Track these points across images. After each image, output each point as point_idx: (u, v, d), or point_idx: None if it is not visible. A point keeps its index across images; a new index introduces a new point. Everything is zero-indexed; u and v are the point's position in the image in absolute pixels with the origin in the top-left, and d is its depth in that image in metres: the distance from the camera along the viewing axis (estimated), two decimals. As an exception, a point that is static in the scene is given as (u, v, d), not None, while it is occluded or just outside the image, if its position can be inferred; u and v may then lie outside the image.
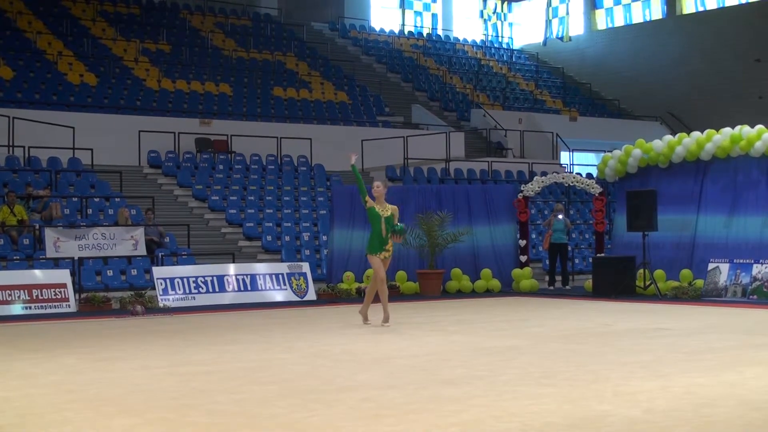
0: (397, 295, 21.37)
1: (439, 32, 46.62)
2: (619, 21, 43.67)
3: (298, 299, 20.04)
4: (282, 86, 34.04)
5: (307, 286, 20.34)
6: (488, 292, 22.17)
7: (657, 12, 42.11)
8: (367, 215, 14.91)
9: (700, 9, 40.50)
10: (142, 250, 20.19)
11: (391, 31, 44.42)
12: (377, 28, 44.31)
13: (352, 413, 7.65)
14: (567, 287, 23.19)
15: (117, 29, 34.86)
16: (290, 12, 42.76)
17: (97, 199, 23.45)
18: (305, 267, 20.65)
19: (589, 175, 29.15)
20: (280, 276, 20.20)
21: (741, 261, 19.58)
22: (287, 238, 24.29)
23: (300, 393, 8.60)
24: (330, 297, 20.54)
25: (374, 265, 14.66)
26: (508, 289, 22.50)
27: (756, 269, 19.23)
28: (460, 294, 21.95)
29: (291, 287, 20.18)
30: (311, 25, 42.19)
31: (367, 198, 14.66)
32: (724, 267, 19.72)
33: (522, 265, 22.89)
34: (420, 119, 35.60)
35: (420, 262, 22.14)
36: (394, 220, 14.64)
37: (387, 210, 14.66)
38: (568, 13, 45.03)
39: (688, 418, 7.29)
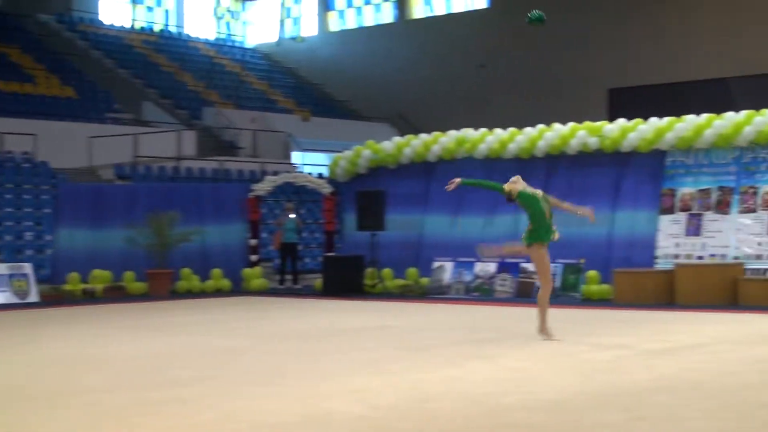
0: (124, 295, 20.90)
1: (172, 29, 45.90)
2: (351, 23, 44.28)
3: (20, 301, 19.22)
4: (4, 79, 32.57)
5: (29, 288, 19.54)
6: (218, 292, 21.99)
7: (388, 16, 42.96)
8: (521, 204, 12.27)
9: (429, 14, 41.59)
10: None
11: (122, 26, 43.35)
12: (107, 23, 43.15)
13: (77, 417, 7.37)
14: (297, 286, 23.30)
15: None
16: (15, 2, 40.99)
17: None
18: (27, 268, 19.82)
19: (321, 175, 29.40)
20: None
21: (464, 260, 20.25)
22: (8, 238, 23.23)
23: (22, 399, 8.22)
24: (54, 298, 19.81)
25: (540, 262, 12.22)
26: (239, 289, 22.39)
27: (478, 267, 19.94)
28: (189, 294, 21.67)
29: (11, 289, 19.32)
30: (37, 16, 40.58)
31: (506, 186, 12.27)
32: (449, 265, 20.34)
33: (252, 265, 22.83)
34: (151, 116, 34.88)
35: (148, 261, 21.69)
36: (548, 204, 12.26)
37: (537, 191, 12.31)
38: (301, 14, 45.35)
39: (411, 412, 7.43)
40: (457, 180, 12.39)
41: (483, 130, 21.52)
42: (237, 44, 47.46)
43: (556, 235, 12.14)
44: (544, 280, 12.23)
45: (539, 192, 12.29)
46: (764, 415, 7.10)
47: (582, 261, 18.80)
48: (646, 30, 34.19)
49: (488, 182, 13.15)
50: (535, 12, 12.34)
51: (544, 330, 12.13)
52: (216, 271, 22.44)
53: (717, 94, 29.57)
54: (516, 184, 12.24)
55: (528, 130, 20.85)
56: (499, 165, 20.98)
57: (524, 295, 19.10)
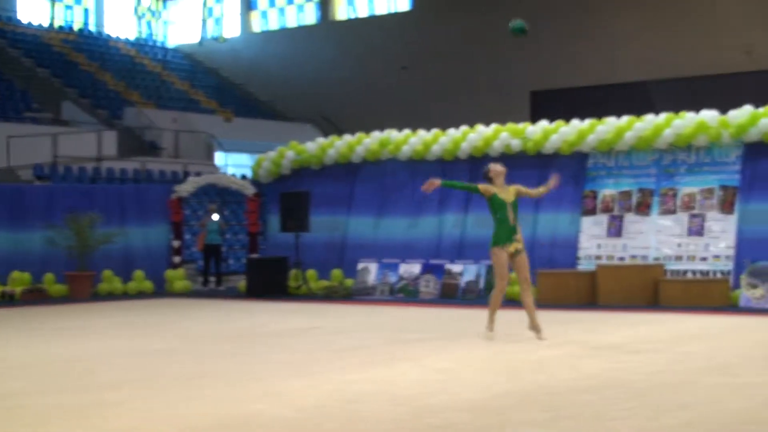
0: (44, 298, 20.57)
1: (91, 28, 45.31)
2: (274, 24, 44.12)
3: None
4: None
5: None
6: (141, 294, 21.75)
7: (311, 17, 42.90)
8: (488, 206, 12.37)
9: (353, 16, 41.62)
10: None
11: (41, 25, 42.67)
12: (25, 21, 42.44)
13: (2, 424, 7.24)
14: (221, 288, 23.15)
15: None
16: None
17: None
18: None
19: (244, 176, 29.27)
20: None
21: (388, 261, 20.28)
22: None
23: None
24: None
25: (496, 264, 12.21)
26: (161, 291, 22.17)
27: (402, 268, 19.98)
28: (111, 296, 21.40)
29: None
30: (-48, 14, 39.83)
31: (480, 185, 12.36)
32: (373, 266, 20.35)
33: (175, 266, 22.62)
34: (71, 116, 34.40)
35: (69, 263, 21.37)
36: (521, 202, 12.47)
37: (510, 194, 12.30)
38: (223, 14, 45.08)
39: (337, 414, 7.40)
40: (437, 182, 12.36)
41: (407, 131, 21.58)
42: (158, 44, 47.02)
43: (514, 246, 12.13)
44: (497, 281, 12.26)
45: (512, 194, 12.32)
46: (684, 415, 7.19)
47: (505, 262, 18.89)
48: (569, 33, 34.58)
49: (465, 184, 13.09)
50: (517, 22, 12.29)
51: (490, 328, 12.28)
52: (138, 273, 22.20)
53: (638, 97, 29.98)
54: (497, 178, 12.31)
55: (451, 131, 20.95)
56: (422, 166, 21.05)
57: (448, 296, 19.17)
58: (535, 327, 12.21)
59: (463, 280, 19.25)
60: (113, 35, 45.09)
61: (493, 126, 20.53)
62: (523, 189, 12.50)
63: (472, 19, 36.81)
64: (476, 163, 20.61)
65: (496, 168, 12.44)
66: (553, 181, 12.60)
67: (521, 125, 20.31)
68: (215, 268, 23.45)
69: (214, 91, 42.59)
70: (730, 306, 16.66)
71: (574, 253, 19.01)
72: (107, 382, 9.09)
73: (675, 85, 31.23)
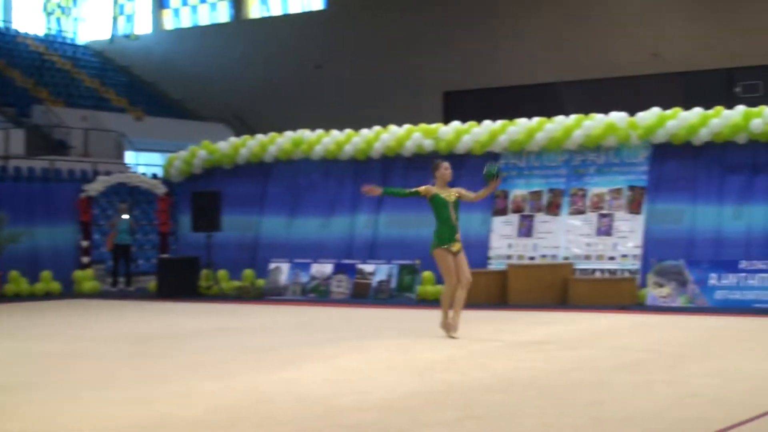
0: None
1: (-1, 23, 44.47)
2: (186, 22, 43.74)
3: None
4: None
5: None
6: (48, 295, 21.38)
7: (224, 15, 42.61)
8: (430, 207, 12.49)
9: (266, 15, 41.42)
10: None
11: (-55, 20, 41.80)
12: (-71, 15, 41.53)
13: None
14: (131, 288, 22.87)
15: None
16: None
17: None
18: None
19: (155, 176, 28.97)
20: None
21: (300, 261, 20.23)
22: None
23: None
24: None
25: (443, 264, 12.33)
26: (70, 292, 21.81)
27: (314, 268, 19.94)
28: (18, 297, 21.01)
29: None
30: None
31: (420, 188, 12.48)
32: (285, 266, 20.29)
33: (84, 267, 22.28)
34: (-24, 114, 33.74)
35: (-26, 264, 20.97)
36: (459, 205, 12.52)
37: (452, 194, 12.43)
38: (134, 11, 44.57)
39: (248, 415, 7.36)
40: (378, 190, 12.60)
41: (319, 131, 21.55)
42: (68, 41, 46.30)
43: (456, 246, 12.33)
44: (447, 280, 12.35)
45: (453, 194, 12.45)
46: (593, 412, 7.29)
47: (418, 262, 18.99)
48: (481, 35, 34.84)
49: (406, 191, 12.95)
50: (493, 166, 12.66)
51: (444, 326, 12.35)
52: (46, 274, 21.83)
53: (548, 99, 30.34)
54: (442, 177, 12.48)
55: (364, 131, 20.97)
56: (335, 166, 21.06)
57: (360, 296, 19.19)
58: (452, 325, 12.31)
59: (375, 280, 19.28)
60: (21, 31, 44.28)
61: (406, 126, 20.60)
62: (463, 192, 12.66)
63: (386, 20, 36.92)
64: (389, 164, 20.69)
65: (446, 169, 12.60)
66: (493, 184, 12.70)
67: (434, 126, 20.40)
68: (125, 268, 23.16)
69: (125, 89, 42.07)
70: (638, 304, 16.94)
71: (485, 252, 19.14)
72: (12, 385, 8.93)
73: (585, 87, 31.67)
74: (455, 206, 12.44)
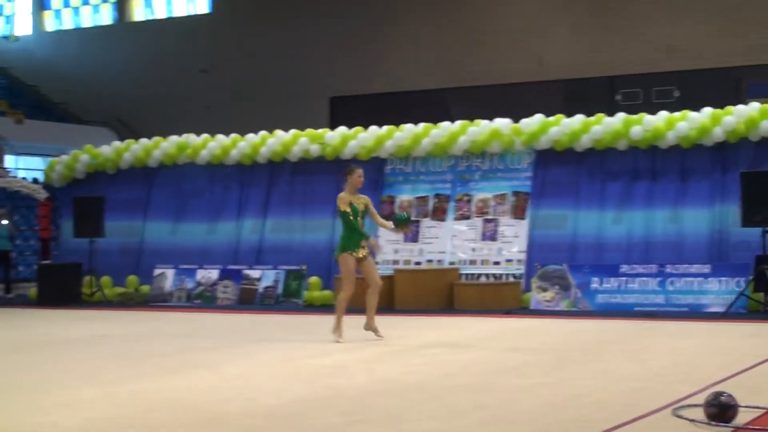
0: None
1: None
2: (68, 24, 42.95)
3: None
4: None
5: None
6: (-76, 303, 20.78)
7: (107, 18, 41.95)
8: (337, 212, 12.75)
9: (150, 18, 40.90)
10: None
11: None
12: None
13: None
14: (10, 296, 22.36)
15: None
16: None
17: None
18: None
19: (36, 180, 28.38)
20: None
21: (186, 267, 20.02)
22: None
23: None
24: None
25: (345, 268, 12.43)
26: (-53, 299, 21.25)
27: (200, 274, 19.75)
28: None
29: None
30: None
31: (340, 204, 12.51)
32: (170, 272, 20.05)
33: (-38, 274, 21.72)
34: None
35: None
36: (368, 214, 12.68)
37: (360, 202, 12.55)
38: (14, 12, 43.60)
39: (133, 423, 7.25)
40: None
41: (205, 135, 21.36)
42: (-56, 41, 45.02)
43: (362, 252, 12.52)
44: (345, 286, 12.51)
45: (362, 202, 12.57)
46: (479, 415, 7.35)
47: (304, 267, 18.95)
48: (368, 40, 34.96)
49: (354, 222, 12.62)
50: (403, 215, 12.99)
51: (336, 331, 12.44)
52: None
53: (434, 105, 30.57)
54: (354, 183, 12.52)
55: (250, 136, 20.84)
56: (221, 171, 20.91)
57: (246, 301, 19.05)
58: (372, 327, 12.55)
59: (262, 286, 19.18)
60: None
61: (292, 131, 20.54)
62: (372, 207, 12.82)
63: (271, 24, 36.78)
64: (275, 169, 20.61)
65: (359, 176, 12.63)
66: (400, 229, 13.31)
67: (320, 131, 20.39)
68: (4, 274, 22.65)
69: (5, 91, 41.07)
70: (522, 308, 17.15)
71: (373, 258, 19.15)
72: None
73: (470, 94, 31.99)
74: (363, 214, 12.60)
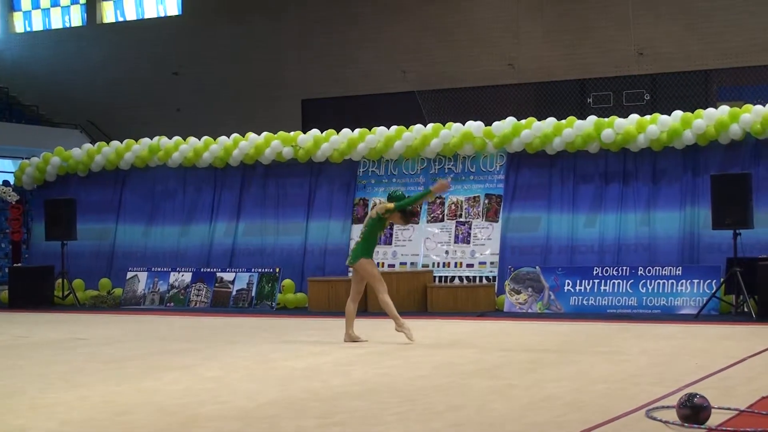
0: None
1: None
2: (38, 25, 42.68)
3: None
4: None
5: None
6: None
7: (77, 19, 41.71)
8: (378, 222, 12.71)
9: (121, 20, 40.71)
10: None
11: None
12: None
13: None
14: (-19, 299, 22.21)
15: None
16: None
17: None
18: None
19: (6, 183, 28.19)
20: None
21: (159, 269, 19.95)
22: None
23: None
24: None
25: (373, 271, 12.72)
26: None
27: (173, 277, 19.70)
28: None
29: None
30: None
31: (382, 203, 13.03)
32: (143, 275, 19.98)
33: (-69, 277, 21.56)
34: None
35: None
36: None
37: (373, 210, 12.95)
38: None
39: (106, 426, 7.22)
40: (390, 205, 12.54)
41: (177, 138, 21.29)
42: None
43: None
44: (380, 287, 12.65)
45: (374, 212, 12.73)
46: (453, 417, 7.36)
47: (277, 270, 18.93)
48: (340, 43, 34.92)
49: (416, 196, 13.15)
50: (398, 191, 13.07)
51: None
52: None
53: (407, 107, 30.58)
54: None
55: (222, 139, 20.79)
56: (193, 174, 20.87)
57: (220, 304, 19.02)
58: (353, 336, 12.71)
59: (235, 289, 19.14)
60: None
61: (265, 134, 20.50)
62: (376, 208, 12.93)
63: (242, 26, 36.68)
64: (248, 171, 20.58)
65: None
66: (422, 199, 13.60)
67: (292, 133, 20.36)
68: (-25, 278, 22.50)
69: (-26, 93, 40.80)
70: (495, 311, 17.20)
71: (345, 260, 19.16)
72: None
73: (442, 96, 32.03)
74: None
